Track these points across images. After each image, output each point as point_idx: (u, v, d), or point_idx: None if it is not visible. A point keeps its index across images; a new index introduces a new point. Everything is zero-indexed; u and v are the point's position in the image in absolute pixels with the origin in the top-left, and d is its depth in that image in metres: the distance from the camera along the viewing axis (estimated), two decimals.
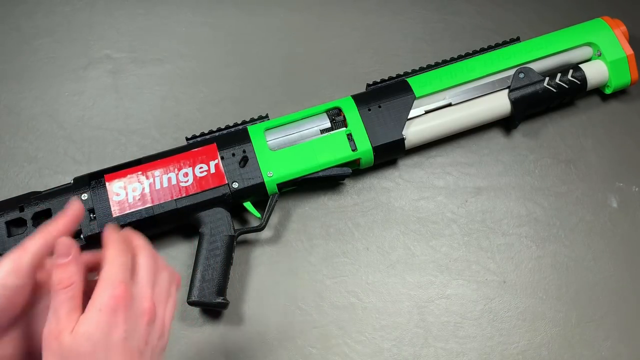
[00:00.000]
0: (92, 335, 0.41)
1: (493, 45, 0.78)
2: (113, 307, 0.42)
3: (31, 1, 0.89)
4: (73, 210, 0.47)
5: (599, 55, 0.78)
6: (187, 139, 0.73)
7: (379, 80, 0.77)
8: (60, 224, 0.46)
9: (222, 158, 0.71)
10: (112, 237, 0.47)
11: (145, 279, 0.46)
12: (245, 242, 0.74)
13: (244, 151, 0.71)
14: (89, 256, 0.49)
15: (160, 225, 0.69)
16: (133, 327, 0.43)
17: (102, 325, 0.42)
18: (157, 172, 0.70)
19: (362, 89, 0.78)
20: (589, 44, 0.78)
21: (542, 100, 0.76)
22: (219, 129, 0.74)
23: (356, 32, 0.86)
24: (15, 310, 0.44)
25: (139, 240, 0.49)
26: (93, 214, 0.67)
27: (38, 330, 0.45)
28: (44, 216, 0.68)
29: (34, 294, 0.46)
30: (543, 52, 0.77)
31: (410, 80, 0.75)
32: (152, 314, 0.45)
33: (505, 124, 0.79)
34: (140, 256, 0.48)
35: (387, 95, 0.74)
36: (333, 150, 0.72)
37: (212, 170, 0.70)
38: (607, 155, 0.78)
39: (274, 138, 0.73)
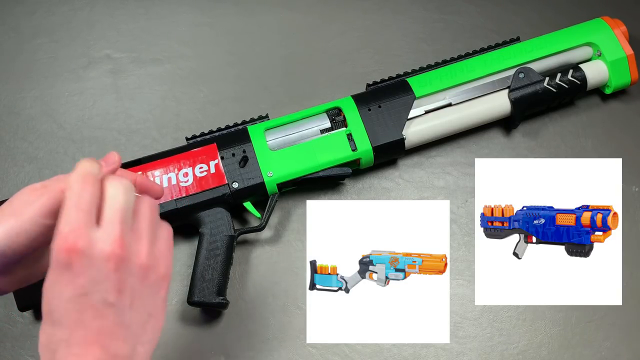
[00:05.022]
0: (46, 293, 0.39)
1: (493, 45, 0.78)
2: (64, 263, 0.39)
3: (30, 1, 0.88)
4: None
5: (599, 55, 0.78)
6: (187, 139, 0.73)
7: (379, 80, 0.77)
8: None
9: (222, 158, 0.71)
10: (79, 171, 0.41)
11: (111, 218, 0.41)
12: (245, 242, 0.74)
13: (244, 151, 0.71)
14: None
15: None
16: (95, 279, 0.39)
17: (52, 284, 0.39)
18: (157, 172, 0.70)
19: (362, 89, 0.78)
20: (589, 44, 0.78)
21: (542, 100, 0.76)
22: (219, 129, 0.74)
23: (356, 32, 0.86)
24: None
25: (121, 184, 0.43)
26: None
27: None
28: None
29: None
30: (543, 52, 0.77)
31: (410, 80, 0.75)
32: (118, 259, 0.40)
33: (505, 124, 0.79)
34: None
35: (387, 95, 0.74)
36: (333, 150, 0.72)
37: (212, 170, 0.70)
38: (607, 155, 0.78)
39: (274, 138, 0.73)
